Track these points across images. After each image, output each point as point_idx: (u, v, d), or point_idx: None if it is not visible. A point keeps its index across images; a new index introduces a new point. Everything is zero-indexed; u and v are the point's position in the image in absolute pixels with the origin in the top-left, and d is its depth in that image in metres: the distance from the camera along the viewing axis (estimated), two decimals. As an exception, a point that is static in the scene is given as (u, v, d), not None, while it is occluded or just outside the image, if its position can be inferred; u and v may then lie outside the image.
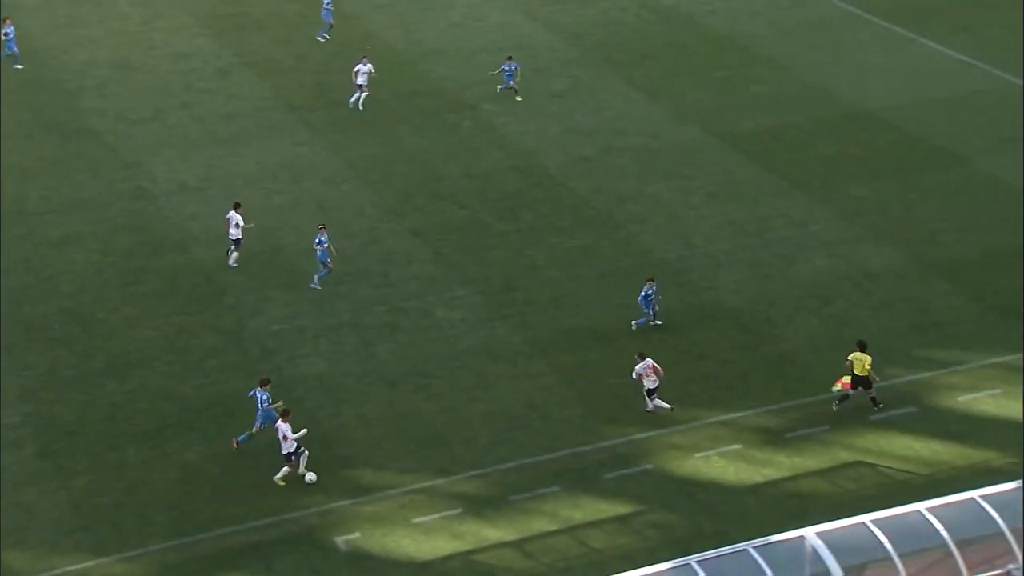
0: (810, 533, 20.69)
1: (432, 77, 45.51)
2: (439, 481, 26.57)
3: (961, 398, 28.44)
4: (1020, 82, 43.00)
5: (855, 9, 49.71)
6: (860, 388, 27.76)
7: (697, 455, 27.06)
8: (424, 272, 33.88)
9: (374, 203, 37.39)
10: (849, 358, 27.74)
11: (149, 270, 34.21)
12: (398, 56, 47.21)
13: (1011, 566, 21.12)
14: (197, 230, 36.08)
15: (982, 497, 21.60)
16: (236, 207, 33.83)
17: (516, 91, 43.18)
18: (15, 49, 45.42)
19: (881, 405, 28.02)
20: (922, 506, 21.45)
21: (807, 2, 50.66)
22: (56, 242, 35.42)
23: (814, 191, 37.20)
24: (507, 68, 43.17)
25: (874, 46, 46.57)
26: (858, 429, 27.59)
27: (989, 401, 28.30)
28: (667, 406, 27.91)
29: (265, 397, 27.17)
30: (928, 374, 29.18)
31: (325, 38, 48.51)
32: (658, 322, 30.96)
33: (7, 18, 46.02)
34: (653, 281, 30.94)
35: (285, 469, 26.35)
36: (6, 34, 45.35)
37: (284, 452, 26.23)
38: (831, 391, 28.08)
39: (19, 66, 45.37)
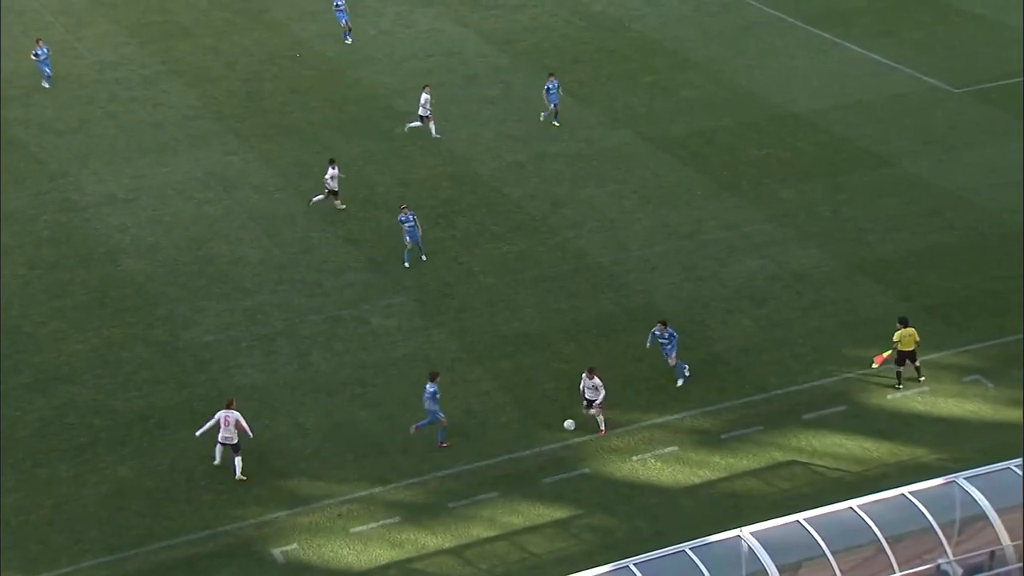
0: (745, 533, 20.91)
1: (363, 84, 45.35)
2: (376, 490, 26.45)
3: (890, 396, 28.94)
4: (942, 85, 43.88)
5: (780, 14, 50.41)
6: (908, 362, 28.80)
7: (634, 458, 27.24)
8: (359, 280, 33.72)
9: (307, 211, 37.13)
10: (895, 338, 28.58)
11: (77, 283, 33.66)
12: (328, 64, 46.96)
13: (940, 560, 21.52)
14: (126, 241, 35.57)
15: (911, 493, 21.99)
16: (331, 162, 36.40)
17: (557, 113, 40.68)
18: (48, 70, 44.53)
19: (923, 378, 29.07)
20: (854, 503, 21.78)
21: (733, 7, 51.28)
22: (-20, 255, 34.73)
23: (744, 193, 37.66)
24: (551, 86, 40.65)
25: (799, 50, 47.27)
26: (791, 429, 27.97)
27: (917, 399, 28.83)
28: (602, 427, 27.80)
29: (434, 390, 26.87)
30: (858, 373, 29.65)
31: (348, 41, 48.08)
32: (683, 377, 28.85)
33: (39, 39, 45.07)
34: (665, 324, 28.77)
35: (238, 459, 26.25)
36: (36, 55, 44.31)
37: (233, 443, 26.09)
38: (871, 367, 28.92)
39: (46, 85, 44.53)
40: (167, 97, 44.40)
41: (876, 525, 21.27)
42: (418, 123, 40.79)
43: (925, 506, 21.70)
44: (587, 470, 26.95)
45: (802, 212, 36.58)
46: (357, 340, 31.23)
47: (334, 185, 36.29)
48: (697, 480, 26.62)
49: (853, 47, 47.21)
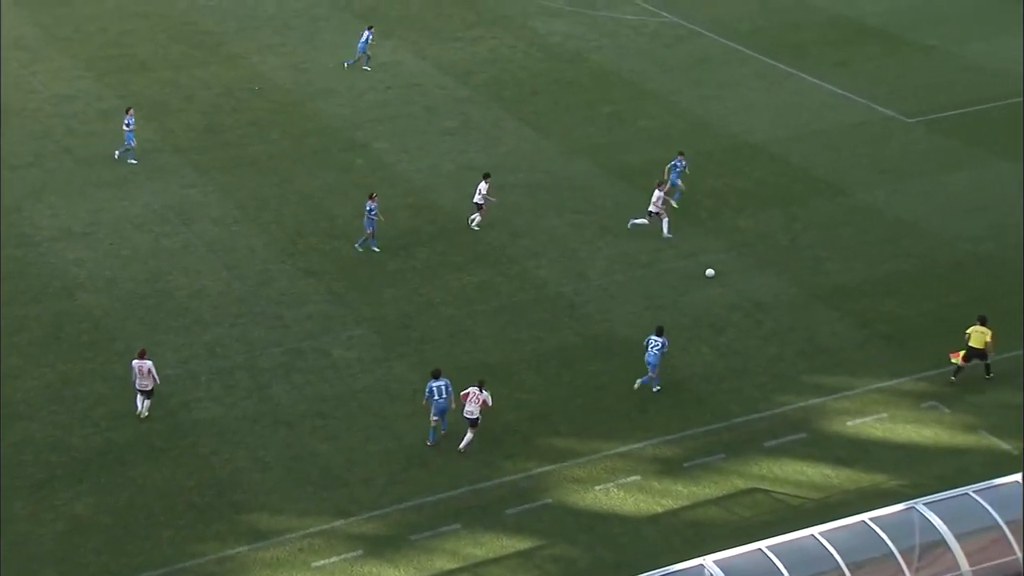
0: (708, 561, 20.96)
1: (323, 116, 45.37)
2: (338, 523, 26.27)
3: (850, 423, 29.18)
4: (895, 115, 44.53)
5: (735, 45, 51.01)
6: (975, 360, 29.79)
7: (596, 487, 27.25)
8: (319, 312, 33.61)
9: (266, 243, 37.01)
10: (968, 332, 29.73)
11: (32, 318, 33.28)
12: (288, 96, 46.92)
13: (902, 585, 21.67)
14: (83, 276, 35.25)
15: (872, 520, 22.16)
16: (486, 177, 37.28)
17: (678, 192, 38.12)
18: (132, 142, 41.15)
19: (992, 376, 30.05)
20: (815, 530, 21.91)
21: (689, 39, 51.86)
22: (-66, 291, 34.28)
23: (703, 223, 37.96)
24: (678, 164, 38.40)
25: (755, 81, 47.83)
26: (752, 456, 28.10)
27: (876, 426, 29.09)
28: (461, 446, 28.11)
29: (442, 384, 28.10)
30: (817, 400, 29.90)
31: (348, 64, 48.68)
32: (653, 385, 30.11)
33: (129, 108, 41.95)
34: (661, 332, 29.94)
35: (147, 402, 28.93)
36: (127, 124, 40.99)
37: (147, 389, 28.81)
38: (950, 363, 30.04)
39: (133, 161, 41.11)
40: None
41: (837, 552, 21.40)
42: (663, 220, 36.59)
43: (885, 532, 21.87)
44: (549, 500, 26.92)
45: (760, 241, 36.92)
46: (317, 372, 31.09)
47: (481, 200, 36.93)
48: (659, 509, 26.67)
49: (807, 78, 47.84)
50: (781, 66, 48.94)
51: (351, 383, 30.67)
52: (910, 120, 44.09)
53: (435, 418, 28.22)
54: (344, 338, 32.43)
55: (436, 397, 28.03)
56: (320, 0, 56.90)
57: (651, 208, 36.46)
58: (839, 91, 46.62)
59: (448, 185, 40.45)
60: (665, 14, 54.47)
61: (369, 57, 48.79)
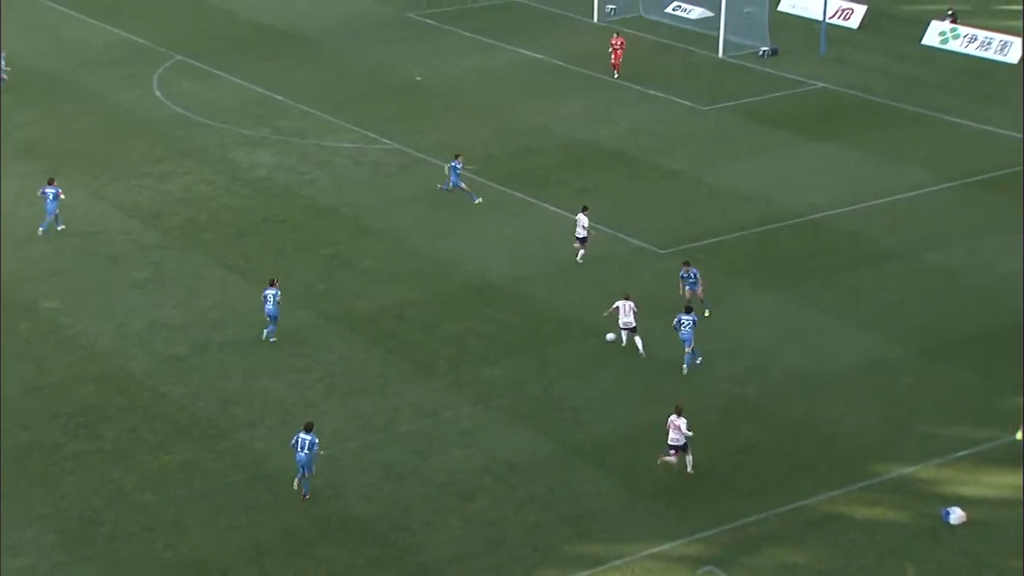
0: None
1: (-22, 271, 43.17)
2: None
3: (624, 595, 29.35)
4: (646, 246, 46.43)
5: (465, 173, 52.21)
6: None
7: None
8: (-21, 512, 31.32)
9: (-92, 431, 34.41)
10: None
11: None
12: (-67, 249, 44.50)
13: None
14: None
15: None
16: (584, 209, 44.56)
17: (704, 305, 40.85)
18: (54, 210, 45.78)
19: None
20: None
21: (415, 168, 52.80)
22: None
23: (443, 375, 38.06)
24: (686, 274, 40.92)
25: (492, 213, 48.99)
26: (517, 645, 27.71)
27: (654, 596, 29.38)
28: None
29: (306, 439, 31.76)
30: (585, 573, 30.00)
31: (443, 189, 49.70)
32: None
33: (51, 179, 46.60)
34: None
35: None
36: (43, 194, 45.87)
37: None
38: (1016, 439, 33.18)
39: (61, 227, 46.03)
40: None
41: None
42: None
43: None
44: None
45: (509, 392, 37.28)
46: (-21, 589, 28.77)
47: (584, 233, 43.58)
48: None
49: (549, 207, 49.40)
50: (519, 195, 50.41)
51: (23, 598, 28.52)
52: (663, 251, 46.04)
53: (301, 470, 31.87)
54: (12, 543, 30.46)
55: (298, 449, 31.65)
56: (-31, 133, 54.88)
57: (626, 321, 38.88)
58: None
59: (138, 348, 39.10)
60: (386, 140, 55.43)
61: (468, 191, 49.20)
